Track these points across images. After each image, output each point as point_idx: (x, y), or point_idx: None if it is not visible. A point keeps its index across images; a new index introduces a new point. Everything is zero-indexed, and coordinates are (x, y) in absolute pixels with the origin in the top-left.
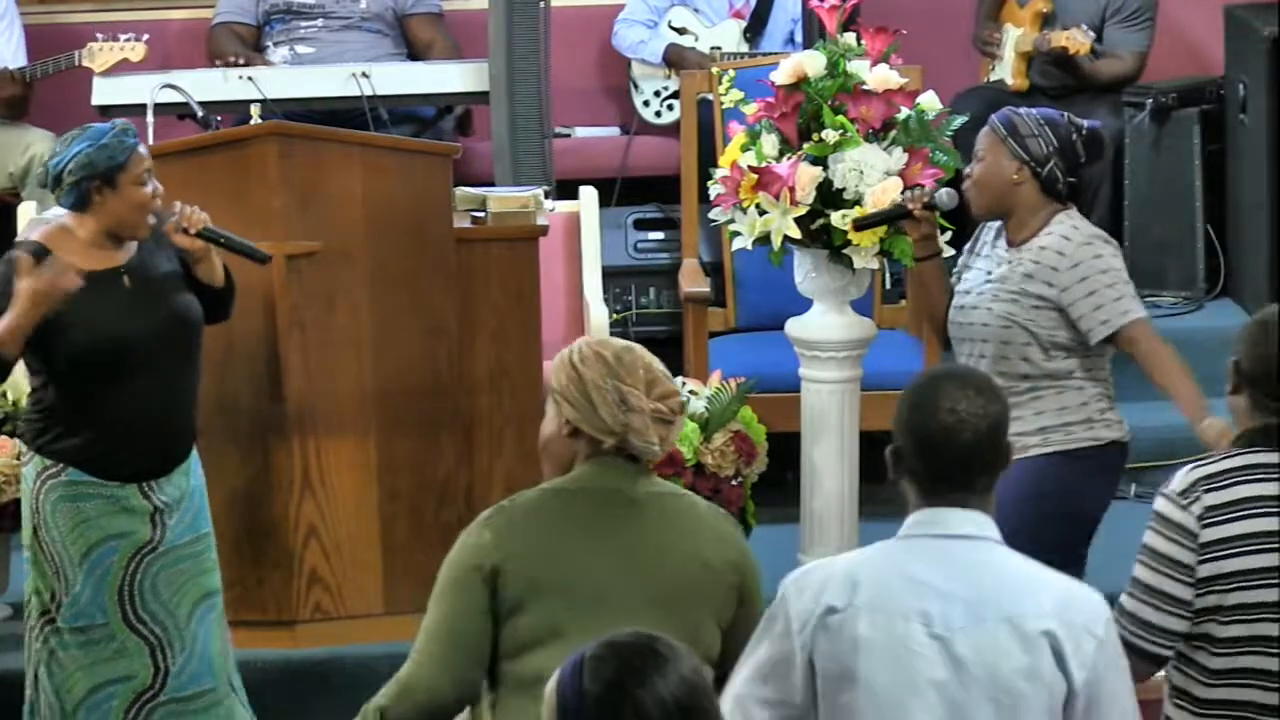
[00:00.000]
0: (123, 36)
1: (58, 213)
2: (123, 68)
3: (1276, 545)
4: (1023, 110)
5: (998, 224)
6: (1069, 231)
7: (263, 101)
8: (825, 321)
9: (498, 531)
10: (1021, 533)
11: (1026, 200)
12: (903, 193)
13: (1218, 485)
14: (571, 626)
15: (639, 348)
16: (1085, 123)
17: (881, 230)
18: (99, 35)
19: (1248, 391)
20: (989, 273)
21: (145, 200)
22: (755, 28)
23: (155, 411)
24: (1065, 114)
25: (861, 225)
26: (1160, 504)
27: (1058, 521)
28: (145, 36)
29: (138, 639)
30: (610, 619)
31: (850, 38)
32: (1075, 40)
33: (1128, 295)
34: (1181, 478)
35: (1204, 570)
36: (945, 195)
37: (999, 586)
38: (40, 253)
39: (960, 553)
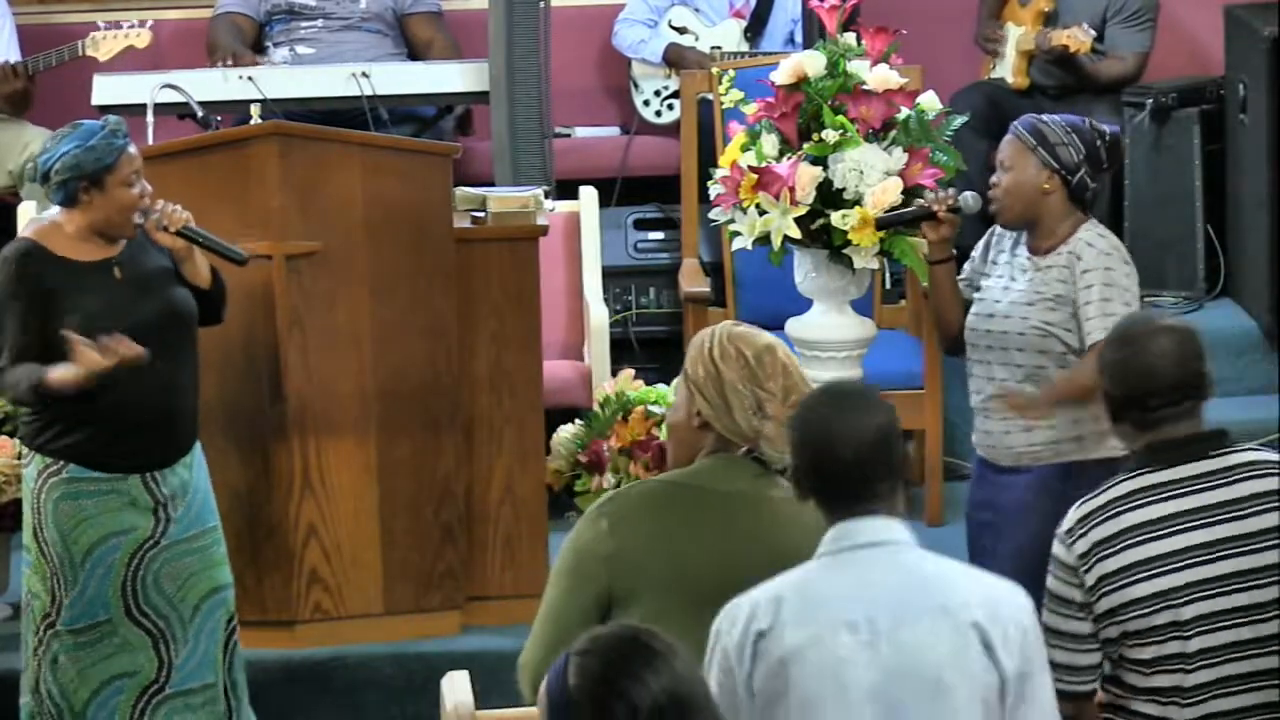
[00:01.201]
0: (126, 24)
1: (56, 212)
2: (123, 67)
3: (1171, 566)
4: (1046, 117)
5: (1013, 232)
6: (1094, 239)
7: (263, 101)
8: (825, 321)
9: (613, 519)
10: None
11: (1054, 209)
12: (928, 194)
13: (1103, 518)
14: (675, 623)
15: (780, 346)
16: (1106, 128)
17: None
18: (100, 24)
19: (1126, 418)
20: (1012, 279)
21: (132, 202)
22: (755, 27)
23: (153, 404)
24: (1086, 119)
25: (883, 224)
26: (1054, 544)
27: None
28: (149, 22)
29: (140, 632)
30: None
31: (850, 38)
32: (1076, 39)
33: (1117, 315)
34: (1069, 515)
35: (1102, 605)
36: (971, 198)
37: (920, 586)
38: (32, 250)
39: (877, 559)
